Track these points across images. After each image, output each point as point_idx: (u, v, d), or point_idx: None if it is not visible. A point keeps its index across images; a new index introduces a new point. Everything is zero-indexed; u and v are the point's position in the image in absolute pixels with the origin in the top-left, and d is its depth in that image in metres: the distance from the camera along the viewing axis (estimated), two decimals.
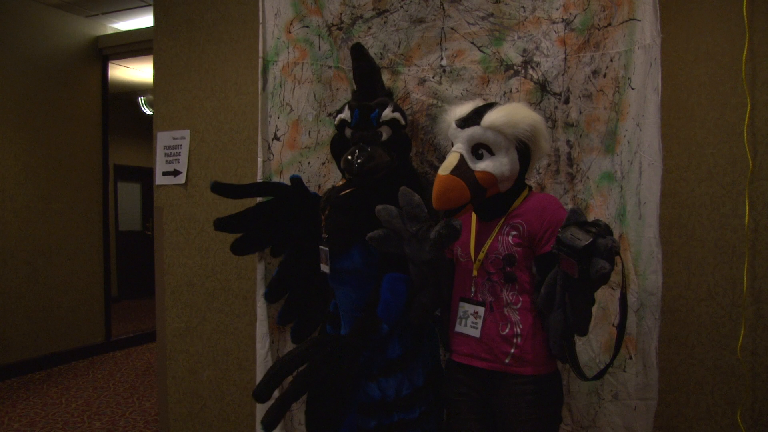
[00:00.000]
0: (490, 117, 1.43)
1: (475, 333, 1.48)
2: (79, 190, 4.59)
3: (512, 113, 1.44)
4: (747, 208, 1.87)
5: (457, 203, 1.43)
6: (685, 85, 1.95)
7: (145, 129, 4.63)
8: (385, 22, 1.98)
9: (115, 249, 6.16)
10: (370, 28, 1.99)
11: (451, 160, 1.45)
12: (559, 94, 1.85)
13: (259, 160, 2.02)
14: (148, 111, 6.50)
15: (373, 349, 1.67)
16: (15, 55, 4.17)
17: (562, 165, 1.86)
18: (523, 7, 1.87)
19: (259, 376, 1.99)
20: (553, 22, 1.84)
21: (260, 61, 2.03)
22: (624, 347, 1.75)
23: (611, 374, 1.76)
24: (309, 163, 2.06)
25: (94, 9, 4.48)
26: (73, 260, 4.53)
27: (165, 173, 2.71)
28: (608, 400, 1.79)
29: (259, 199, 1.99)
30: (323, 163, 2.06)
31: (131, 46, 4.57)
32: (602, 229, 1.22)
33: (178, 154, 2.68)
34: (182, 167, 2.67)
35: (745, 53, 1.86)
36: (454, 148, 1.48)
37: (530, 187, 1.57)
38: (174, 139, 2.70)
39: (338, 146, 1.81)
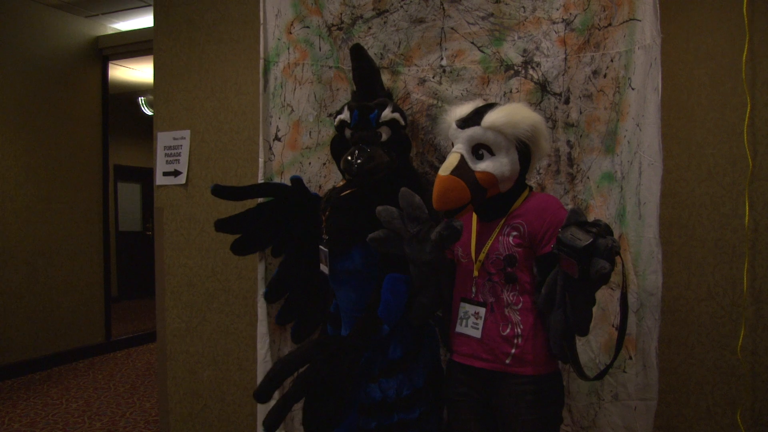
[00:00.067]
0: (491, 117, 1.43)
1: (476, 333, 1.48)
2: (79, 190, 4.59)
3: (512, 113, 1.44)
4: (747, 208, 1.87)
5: (457, 204, 1.43)
6: (685, 85, 1.96)
7: (145, 129, 4.64)
8: (385, 22, 1.98)
9: (115, 249, 6.17)
10: (370, 28, 1.99)
11: (451, 161, 1.45)
12: (560, 95, 1.85)
13: (261, 160, 2.02)
14: (148, 111, 6.50)
15: (374, 350, 1.67)
16: (15, 56, 4.17)
17: (563, 165, 1.86)
18: (523, 7, 1.87)
19: (260, 376, 2.00)
20: (554, 22, 1.84)
21: (261, 61, 2.03)
22: (624, 348, 1.75)
23: (611, 375, 1.76)
24: (310, 163, 2.06)
25: (94, 9, 4.48)
26: (73, 260, 4.53)
27: (165, 173, 2.71)
28: (608, 400, 1.79)
29: (259, 200, 1.99)
30: (324, 164, 2.06)
31: (131, 46, 4.57)
32: (602, 229, 1.22)
33: (179, 154, 2.68)
34: (182, 167, 2.67)
35: (745, 53, 1.86)
36: (454, 149, 1.48)
37: (531, 188, 1.57)
38: (174, 139, 2.70)
39: (338, 147, 1.81)
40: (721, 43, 1.91)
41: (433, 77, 1.96)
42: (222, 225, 1.93)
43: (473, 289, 1.51)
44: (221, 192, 1.92)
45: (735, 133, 1.89)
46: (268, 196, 1.98)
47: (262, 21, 2.04)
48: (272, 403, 1.61)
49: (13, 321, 4.14)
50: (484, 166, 1.44)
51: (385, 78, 1.96)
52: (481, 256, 1.49)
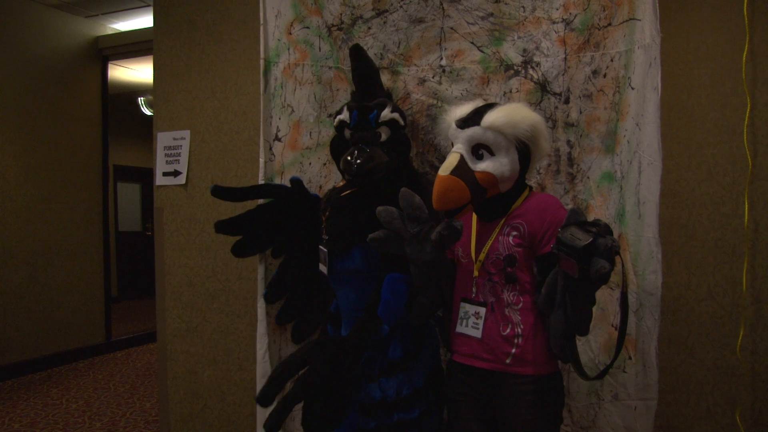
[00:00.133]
0: (490, 117, 1.43)
1: (477, 333, 1.48)
2: (79, 190, 4.59)
3: (512, 113, 1.44)
4: (747, 208, 1.87)
5: (457, 204, 1.43)
6: (685, 85, 1.96)
7: (145, 129, 4.64)
8: (384, 23, 1.98)
9: (115, 249, 6.17)
10: (369, 28, 1.99)
11: (451, 161, 1.45)
12: (560, 94, 1.85)
13: (261, 160, 2.02)
14: (147, 111, 6.51)
15: (374, 350, 1.67)
16: (15, 56, 4.17)
17: (563, 165, 1.86)
18: (523, 6, 1.87)
19: (258, 376, 2.00)
20: (553, 22, 1.84)
21: (261, 62, 2.03)
22: (624, 347, 1.75)
23: (611, 375, 1.76)
24: (310, 163, 2.06)
25: (94, 9, 4.48)
26: (73, 260, 4.54)
27: (165, 174, 2.71)
28: (608, 400, 1.79)
29: (259, 201, 1.99)
30: (324, 164, 2.06)
31: (131, 46, 4.57)
32: (602, 229, 1.22)
33: (179, 154, 2.68)
34: (182, 168, 2.67)
35: (745, 53, 1.86)
36: (454, 149, 1.48)
37: (531, 188, 1.57)
38: (174, 139, 2.70)
39: (338, 147, 1.81)
40: (721, 43, 1.91)
41: (433, 77, 1.96)
42: (222, 227, 1.93)
43: (473, 289, 1.51)
44: (221, 193, 1.92)
45: (735, 133, 1.89)
46: (268, 198, 1.98)
47: (261, 21, 2.04)
48: (273, 404, 1.61)
49: (13, 321, 4.14)
50: (484, 166, 1.44)
51: (385, 78, 1.96)
52: (481, 256, 1.49)
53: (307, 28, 2.04)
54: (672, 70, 1.91)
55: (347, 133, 1.76)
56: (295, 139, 2.05)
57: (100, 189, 4.77)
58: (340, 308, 1.82)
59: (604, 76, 1.81)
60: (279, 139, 2.05)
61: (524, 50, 1.88)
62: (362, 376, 1.67)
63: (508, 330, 1.45)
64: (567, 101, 1.84)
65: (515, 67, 1.89)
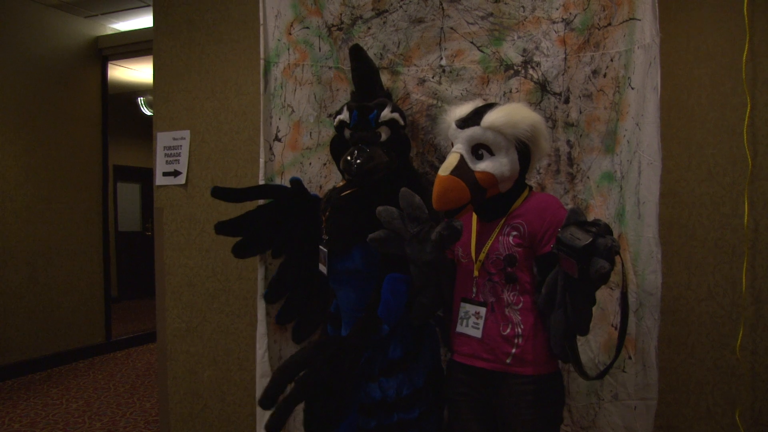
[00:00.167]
0: (490, 117, 1.43)
1: (477, 333, 1.48)
2: (78, 190, 4.59)
3: (512, 113, 1.44)
4: (747, 208, 1.87)
5: (457, 204, 1.43)
6: (685, 85, 1.96)
7: (144, 129, 4.64)
8: (384, 23, 1.98)
9: (115, 249, 6.17)
10: (369, 28, 1.99)
11: (451, 161, 1.45)
12: (559, 94, 1.85)
13: (261, 160, 2.02)
14: (147, 111, 6.50)
15: (374, 350, 1.67)
16: (15, 56, 4.17)
17: (563, 165, 1.86)
18: (523, 6, 1.87)
19: (258, 377, 2.00)
20: (553, 22, 1.84)
21: (261, 62, 2.03)
22: (624, 347, 1.74)
23: (611, 375, 1.76)
24: (310, 164, 2.06)
25: (93, 9, 4.48)
26: (73, 260, 4.54)
27: (165, 174, 2.71)
28: (608, 400, 1.79)
29: (259, 202, 1.99)
30: (324, 164, 2.06)
31: (131, 46, 4.57)
32: (602, 229, 1.22)
33: (179, 154, 2.68)
34: (182, 168, 2.67)
35: (745, 53, 1.86)
36: (454, 149, 1.48)
37: (530, 188, 1.57)
38: (174, 139, 2.70)
39: (337, 147, 1.81)
40: (721, 43, 1.91)
41: (433, 77, 1.96)
42: (222, 228, 1.93)
43: (474, 289, 1.51)
44: (221, 194, 1.92)
45: (735, 133, 1.89)
46: (268, 198, 1.98)
47: (261, 22, 2.04)
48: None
49: (13, 321, 4.14)
50: (484, 166, 1.44)
51: (385, 78, 1.96)
52: (481, 256, 1.49)
53: (307, 28, 2.04)
54: (672, 70, 1.91)
55: (347, 133, 1.76)
56: (295, 139, 2.05)
57: (99, 189, 4.77)
58: (340, 308, 1.82)
59: (604, 76, 1.81)
60: (279, 140, 2.05)
61: (524, 50, 1.88)
62: (362, 376, 1.67)
63: (509, 330, 1.45)
64: (567, 101, 1.84)
65: (515, 67, 1.89)
